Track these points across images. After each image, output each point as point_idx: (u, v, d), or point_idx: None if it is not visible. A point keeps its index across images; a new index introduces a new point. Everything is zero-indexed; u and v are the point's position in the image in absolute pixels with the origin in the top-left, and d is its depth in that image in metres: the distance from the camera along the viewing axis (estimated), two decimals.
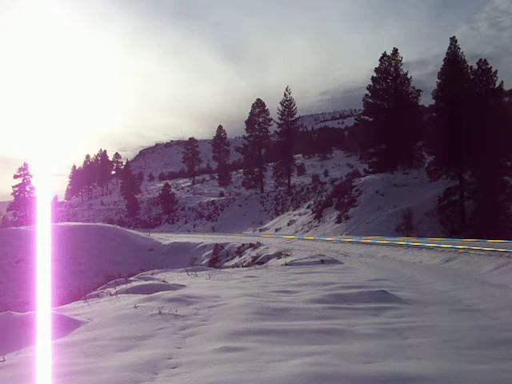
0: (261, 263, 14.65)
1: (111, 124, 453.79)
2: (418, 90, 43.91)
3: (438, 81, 34.51)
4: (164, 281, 8.79)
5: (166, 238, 35.61)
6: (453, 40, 34.45)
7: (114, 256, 28.02)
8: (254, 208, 57.12)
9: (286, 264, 12.04)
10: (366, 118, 45.27)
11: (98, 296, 7.90)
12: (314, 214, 40.44)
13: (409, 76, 43.71)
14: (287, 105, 63.03)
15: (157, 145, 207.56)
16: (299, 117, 67.01)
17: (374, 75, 43.26)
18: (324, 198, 43.38)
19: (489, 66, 32.90)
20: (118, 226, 39.13)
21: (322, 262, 12.11)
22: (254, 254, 19.27)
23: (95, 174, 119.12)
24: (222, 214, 59.65)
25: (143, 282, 8.57)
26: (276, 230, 42.36)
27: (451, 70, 33.54)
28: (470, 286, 7.84)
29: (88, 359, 3.72)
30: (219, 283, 8.37)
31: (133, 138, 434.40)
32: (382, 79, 43.18)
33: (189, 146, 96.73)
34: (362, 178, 41.49)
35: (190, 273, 10.98)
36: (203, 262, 23.82)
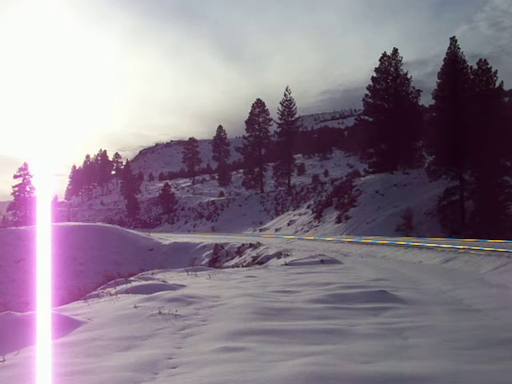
0: (261, 263, 14.65)
1: (111, 124, 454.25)
2: (418, 90, 43.97)
3: (438, 81, 34.53)
4: (164, 281, 8.79)
5: (166, 238, 35.61)
6: (453, 40, 34.46)
7: (114, 256, 28.02)
8: (254, 208, 57.13)
9: (286, 264, 12.03)
10: (366, 117, 45.29)
11: (98, 296, 7.90)
12: (314, 214, 40.44)
13: (409, 76, 43.78)
14: (287, 105, 63.05)
15: (157, 145, 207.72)
16: (299, 117, 67.04)
17: (374, 75, 43.29)
18: (324, 198, 43.39)
19: (489, 66, 32.92)
20: (118, 226, 39.12)
21: (322, 261, 12.10)
22: (254, 254, 19.28)
23: (95, 174, 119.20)
24: (222, 214, 59.66)
25: (143, 282, 8.57)
26: (276, 230, 42.36)
27: (451, 69, 33.54)
28: (470, 286, 7.84)
29: (88, 359, 3.72)
30: (219, 283, 8.37)
31: (133, 138, 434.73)
32: (382, 79, 43.19)
33: (189, 146, 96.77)
34: (362, 178, 41.50)
35: (190, 273, 10.98)
36: (203, 262, 23.82)
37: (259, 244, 21.68)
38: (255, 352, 3.72)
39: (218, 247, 25.85)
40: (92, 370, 3.41)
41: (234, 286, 7.79)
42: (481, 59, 33.60)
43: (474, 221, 30.15)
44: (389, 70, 43.26)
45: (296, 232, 38.27)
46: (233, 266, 15.67)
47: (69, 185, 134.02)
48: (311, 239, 26.24)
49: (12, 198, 60.13)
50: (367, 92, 43.44)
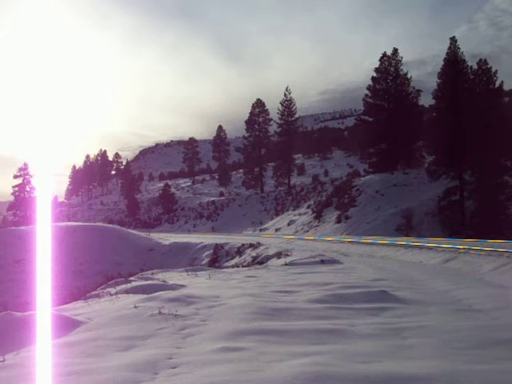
0: (261, 263, 14.66)
1: (111, 124, 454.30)
2: (418, 90, 43.95)
3: (438, 81, 34.52)
4: (164, 281, 8.80)
5: (166, 238, 35.61)
6: (453, 40, 34.45)
7: (114, 256, 28.02)
8: (254, 208, 57.13)
9: (286, 264, 12.04)
10: (366, 117, 45.28)
11: (98, 296, 7.91)
12: (314, 214, 40.44)
13: (409, 76, 43.78)
14: (287, 105, 63.05)
15: (157, 145, 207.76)
16: (299, 117, 67.03)
17: (374, 75, 43.28)
18: (324, 198, 43.39)
19: (489, 66, 32.91)
20: (118, 226, 39.12)
21: (322, 261, 12.11)
22: (254, 254, 19.28)
23: (95, 174, 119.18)
24: (222, 214, 59.66)
25: (143, 282, 8.58)
26: (276, 230, 42.36)
27: (451, 69, 33.54)
28: (470, 286, 7.84)
29: (88, 359, 3.72)
30: (219, 283, 8.37)
31: (133, 137, 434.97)
32: (382, 79, 43.19)
33: (189, 146, 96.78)
34: (362, 178, 41.50)
35: (190, 273, 10.99)
36: (203, 262, 23.82)
37: (259, 244, 21.68)
38: (255, 352, 3.72)
39: (218, 247, 25.84)
40: (92, 369, 3.41)
41: (234, 286, 7.79)
42: (481, 59, 33.63)
43: (474, 221, 30.14)
44: (389, 70, 43.26)
45: (296, 232, 38.27)
46: (233, 266, 15.68)
47: (69, 185, 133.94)
48: (311, 239, 26.24)
49: (12, 198, 60.13)
50: (367, 92, 43.45)
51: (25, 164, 58.13)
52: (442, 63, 34.60)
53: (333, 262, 12.34)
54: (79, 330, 4.91)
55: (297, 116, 64.62)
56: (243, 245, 23.41)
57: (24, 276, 21.06)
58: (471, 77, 33.54)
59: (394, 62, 43.39)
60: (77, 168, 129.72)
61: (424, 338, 4.26)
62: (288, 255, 14.66)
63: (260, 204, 57.73)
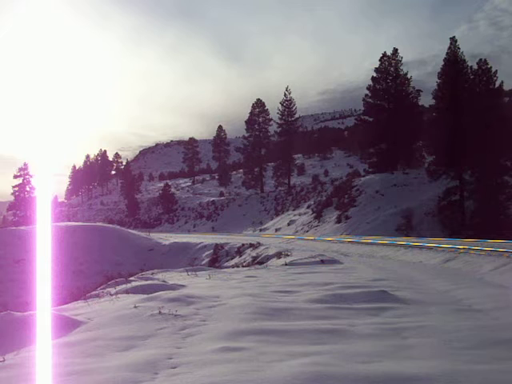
0: (261, 263, 14.66)
1: (111, 124, 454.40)
2: (418, 90, 43.95)
3: (438, 81, 34.52)
4: (164, 281, 8.80)
5: (166, 238, 35.61)
6: (453, 40, 34.46)
7: (114, 256, 28.02)
8: (254, 208, 57.13)
9: (286, 264, 12.04)
10: (366, 117, 45.29)
11: (98, 296, 7.91)
12: (314, 214, 40.44)
13: (409, 76, 43.78)
14: (287, 105, 63.05)
15: (157, 145, 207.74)
16: (299, 117, 67.03)
17: (374, 75, 43.28)
18: (324, 198, 43.39)
19: (489, 66, 32.91)
20: (118, 226, 39.12)
21: (322, 261, 12.11)
22: (254, 254, 19.28)
23: (95, 174, 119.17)
24: (222, 214, 59.66)
25: (143, 282, 8.58)
26: (276, 230, 42.36)
27: (451, 69, 33.54)
28: (470, 286, 7.84)
29: (88, 359, 3.72)
30: (219, 283, 8.37)
31: (133, 137, 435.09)
32: (382, 79, 43.19)
33: (189, 146, 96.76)
34: (362, 178, 41.49)
35: (190, 273, 10.99)
36: (203, 262, 23.82)
37: (259, 244, 21.68)
38: (255, 352, 3.72)
39: (218, 247, 25.85)
40: (92, 369, 3.41)
41: (234, 286, 7.79)
42: (481, 59, 33.63)
43: (474, 221, 30.13)
44: (389, 70, 43.26)
45: (296, 232, 38.27)
46: (233, 266, 15.68)
47: (69, 185, 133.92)
48: (311, 239, 26.24)
49: (12, 198, 60.14)
50: (367, 92, 43.45)
51: (25, 164, 58.15)
52: (442, 63, 34.62)
53: (333, 262, 12.34)
54: (79, 330, 4.91)
55: (297, 116, 64.64)
56: (243, 245, 23.41)
57: (24, 276, 21.06)
58: (471, 77, 33.54)
59: (393, 61, 43.39)
60: (77, 168, 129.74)
61: (424, 337, 4.26)
62: (288, 255, 14.66)
63: (260, 204, 57.73)
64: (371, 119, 44.04)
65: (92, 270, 24.96)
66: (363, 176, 43.21)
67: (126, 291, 7.60)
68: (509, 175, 30.57)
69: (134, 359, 3.62)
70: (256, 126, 65.89)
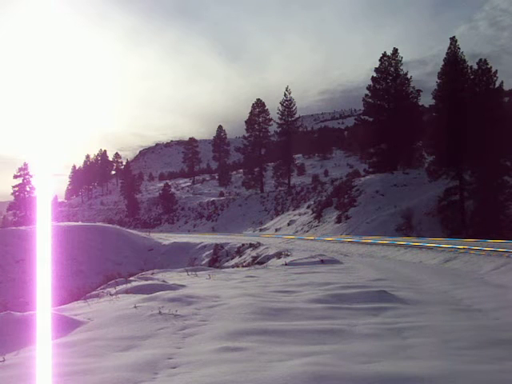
0: (261, 263, 14.66)
1: (111, 124, 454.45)
2: (418, 90, 43.96)
3: (438, 81, 34.54)
4: (164, 281, 8.79)
5: (166, 237, 35.61)
6: (453, 40, 34.46)
7: (114, 256, 28.02)
8: (254, 208, 57.12)
9: (286, 264, 12.04)
10: (366, 117, 45.30)
11: (97, 296, 7.90)
12: (314, 214, 40.44)
13: (408, 76, 43.79)
14: (287, 105, 63.06)
15: (157, 145, 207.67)
16: (299, 117, 67.05)
17: (374, 75, 43.30)
18: (324, 198, 43.39)
19: (489, 66, 32.92)
20: (118, 226, 39.12)
21: (322, 261, 12.11)
22: (254, 254, 19.28)
23: (95, 174, 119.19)
24: (222, 214, 59.66)
25: (143, 282, 8.58)
26: (276, 230, 42.36)
27: (451, 69, 33.55)
28: (470, 286, 7.84)
29: (88, 359, 3.72)
30: (219, 283, 8.37)
31: (133, 137, 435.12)
32: (382, 79, 43.20)
33: (189, 146, 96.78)
34: (362, 178, 41.50)
35: (190, 273, 10.98)
36: (203, 262, 23.82)
37: (259, 244, 21.68)
38: (255, 352, 3.72)
39: (217, 247, 25.85)
40: (92, 369, 3.41)
41: (234, 286, 7.79)
42: (481, 59, 33.63)
43: (474, 221, 30.14)
44: (389, 70, 43.27)
45: (296, 232, 38.27)
46: (233, 266, 15.68)
47: (69, 185, 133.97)
48: (311, 239, 26.24)
49: (12, 198, 60.15)
50: (367, 92, 43.47)
51: (25, 164, 58.17)
52: (442, 63, 34.65)
53: (333, 262, 12.34)
54: (79, 330, 4.91)
55: (297, 116, 64.66)
56: (243, 245, 23.41)
57: (24, 276, 21.07)
58: (471, 77, 33.55)
59: (393, 62, 43.41)
60: (77, 168, 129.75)
61: (424, 338, 4.26)
62: (288, 255, 14.66)
63: (260, 204, 57.73)
64: (371, 119, 44.05)
65: (92, 270, 24.95)
66: (363, 176, 43.22)
67: (126, 291, 7.60)
68: (509, 175, 30.57)
69: (133, 359, 3.62)
70: (256, 126, 65.91)
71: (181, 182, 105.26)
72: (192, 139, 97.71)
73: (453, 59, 33.87)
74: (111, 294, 7.54)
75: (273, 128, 65.56)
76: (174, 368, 3.41)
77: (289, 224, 42.89)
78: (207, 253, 26.33)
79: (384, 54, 43.34)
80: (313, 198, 48.91)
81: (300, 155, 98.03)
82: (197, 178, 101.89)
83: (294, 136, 66.11)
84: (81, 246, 28.03)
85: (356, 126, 67.31)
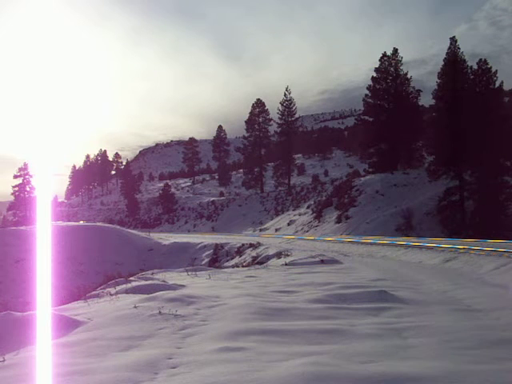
0: (261, 263, 14.65)
1: (111, 124, 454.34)
2: (418, 90, 43.97)
3: (438, 81, 34.54)
4: (164, 281, 8.79)
5: (166, 237, 35.61)
6: (453, 40, 34.47)
7: (114, 256, 28.02)
8: (254, 208, 57.11)
9: (286, 264, 12.04)
10: (366, 117, 45.28)
11: (97, 296, 7.90)
12: (314, 214, 40.44)
13: (408, 75, 43.79)
14: (287, 105, 63.06)
15: (157, 145, 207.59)
16: (299, 117, 67.05)
17: (374, 75, 43.29)
18: (324, 198, 43.39)
19: (489, 66, 32.95)
20: (118, 226, 39.12)
21: (322, 261, 12.11)
22: (253, 254, 19.28)
23: (95, 174, 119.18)
24: (222, 214, 59.64)
25: (143, 282, 8.57)
26: (276, 230, 42.36)
27: (451, 69, 33.55)
28: (470, 286, 7.84)
29: (88, 359, 3.72)
30: (219, 283, 8.37)
31: (133, 137, 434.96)
32: (382, 79, 43.19)
33: (189, 146, 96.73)
34: (362, 178, 41.50)
35: (190, 273, 10.99)
36: (203, 262, 23.82)
37: (259, 244, 21.68)
38: (255, 352, 3.72)
39: (218, 247, 25.85)
40: (92, 369, 3.41)
41: (234, 286, 7.79)
42: (481, 59, 33.67)
43: (474, 221, 30.15)
44: (389, 70, 43.27)
45: (296, 232, 38.27)
46: (233, 266, 15.67)
47: (69, 185, 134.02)
48: (311, 239, 26.24)
49: (12, 198, 60.19)
50: (367, 92, 43.46)
51: (25, 164, 58.22)
52: (442, 63, 34.65)
53: (333, 262, 12.34)
54: (79, 329, 4.90)
55: (297, 116, 64.66)
56: (243, 245, 23.41)
57: (24, 276, 21.07)
58: (471, 77, 33.57)
59: (394, 62, 43.40)
60: (77, 168, 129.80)
61: (424, 337, 4.26)
62: (288, 255, 14.66)
63: (260, 204, 57.72)
64: (371, 119, 44.04)
65: (92, 269, 24.95)
66: (363, 176, 43.20)
67: (126, 291, 7.60)
68: (509, 175, 30.58)
69: (133, 359, 3.62)
70: (256, 125, 65.91)
71: (181, 182, 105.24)
72: (192, 139, 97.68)
73: (453, 59, 33.87)
74: (111, 294, 7.54)
75: (273, 128, 65.61)
76: (174, 368, 3.41)
77: (289, 224, 42.89)
78: (207, 253, 26.33)
79: (384, 54, 43.34)
80: (313, 197, 48.91)
81: (300, 155, 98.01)
82: (197, 178, 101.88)
83: (294, 136, 66.09)
84: (81, 245, 28.03)
85: (356, 126, 67.33)
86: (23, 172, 58.17)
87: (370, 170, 43.75)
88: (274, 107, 65.15)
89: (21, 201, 57.93)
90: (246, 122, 66.57)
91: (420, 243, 17.18)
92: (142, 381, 3.15)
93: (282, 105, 63.00)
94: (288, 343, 4.06)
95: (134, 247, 30.44)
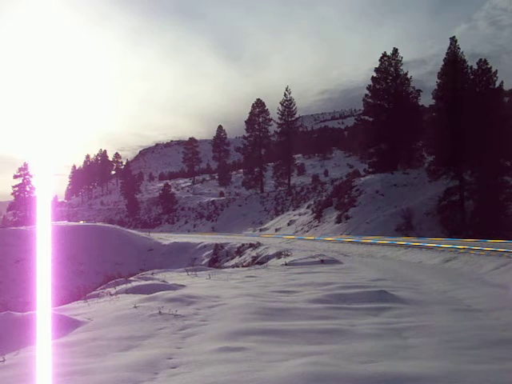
0: (261, 263, 14.65)
1: (111, 124, 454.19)
2: (418, 90, 43.98)
3: (438, 81, 34.54)
4: (164, 281, 8.79)
5: (166, 237, 35.61)
6: (452, 40, 34.48)
7: (114, 256, 28.02)
8: (254, 208, 57.11)
9: (286, 264, 12.04)
10: (366, 117, 45.28)
11: (97, 296, 7.90)
12: (314, 214, 40.44)
13: (408, 75, 43.80)
14: (287, 105, 63.07)
15: (157, 145, 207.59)
16: (299, 117, 67.05)
17: (374, 75, 43.30)
18: (324, 198, 43.39)
19: (489, 66, 32.95)
20: (118, 226, 39.12)
21: (322, 261, 12.11)
22: (254, 254, 19.28)
23: (95, 174, 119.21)
24: (222, 214, 59.64)
25: (143, 282, 8.57)
26: (276, 230, 42.36)
27: (451, 69, 33.56)
28: (470, 286, 7.84)
29: (88, 359, 3.72)
30: (219, 283, 8.37)
31: (133, 137, 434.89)
32: (382, 79, 43.20)
33: (189, 146, 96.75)
34: (362, 178, 41.49)
35: (189, 273, 10.99)
36: (203, 262, 23.82)
37: (259, 244, 21.68)
38: (255, 352, 3.72)
39: (218, 247, 25.85)
40: (92, 369, 3.41)
41: (234, 286, 7.79)
42: (481, 59, 33.68)
43: (474, 221, 30.15)
44: (389, 70, 43.28)
45: (296, 232, 38.27)
46: (233, 266, 15.66)
47: (69, 185, 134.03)
48: (311, 239, 26.24)
49: (12, 198, 60.20)
50: (367, 92, 43.46)
51: (25, 164, 58.23)
52: (442, 63, 34.66)
53: (333, 262, 12.34)
54: (79, 329, 4.90)
55: (297, 116, 64.66)
56: (243, 245, 23.41)
57: (24, 276, 21.07)
58: (471, 77, 33.57)
59: (394, 62, 43.41)
60: (77, 168, 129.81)
61: (424, 337, 4.26)
62: (288, 255, 14.66)
63: (260, 204, 57.72)
64: (371, 119, 44.04)
65: (92, 269, 24.95)
66: (363, 176, 43.20)
67: (126, 291, 7.60)
68: (509, 175, 30.58)
69: (133, 359, 3.62)
70: (256, 125, 65.92)
71: (181, 181, 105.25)
72: (192, 139, 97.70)
73: (453, 59, 33.88)
74: (111, 294, 7.54)
75: (273, 128, 65.62)
76: (174, 368, 3.41)
77: (289, 224, 42.89)
78: (207, 253, 26.33)
79: (384, 54, 43.35)
80: (313, 197, 48.91)
81: (300, 155, 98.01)
82: (197, 178, 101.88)
83: (294, 136, 66.09)
84: (81, 245, 28.03)
85: (356, 126, 67.33)
86: (23, 172, 58.19)
87: (370, 170, 43.75)
88: (274, 107, 65.22)
89: (21, 201, 57.94)
90: (246, 122, 66.58)
91: (420, 243, 17.17)
92: (142, 381, 3.15)
93: (282, 105, 63.01)
94: (288, 343, 4.06)
95: (134, 247, 30.44)
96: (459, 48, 34.34)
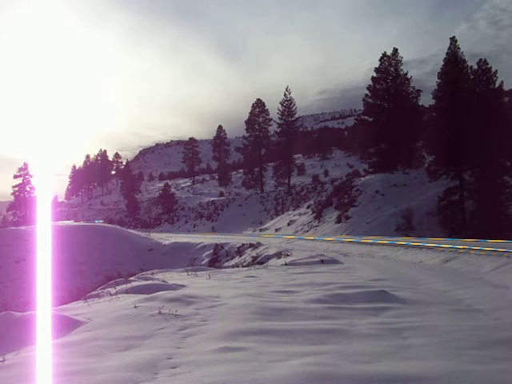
0: (261, 263, 14.65)
1: (111, 124, 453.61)
2: (418, 90, 44.05)
3: (438, 81, 34.56)
4: (164, 281, 8.79)
5: (166, 237, 35.61)
6: (453, 40, 34.50)
7: (114, 256, 28.02)
8: (254, 208, 57.12)
9: (286, 264, 12.04)
10: (366, 117, 45.33)
11: (97, 296, 7.90)
12: (314, 214, 40.44)
13: (408, 75, 43.86)
14: (287, 105, 63.09)
15: (157, 145, 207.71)
16: (299, 117, 67.08)
17: (374, 75, 43.33)
18: (324, 198, 43.39)
19: (489, 66, 32.96)
20: (118, 226, 39.12)
21: (322, 261, 12.11)
22: (253, 254, 19.28)
23: (95, 174, 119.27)
24: (222, 214, 59.66)
25: (143, 282, 8.57)
26: (276, 230, 42.37)
27: (451, 69, 33.57)
28: (470, 286, 7.84)
29: (88, 359, 3.72)
30: (219, 283, 8.37)
31: (132, 137, 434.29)
32: (382, 79, 43.23)
33: (189, 146, 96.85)
34: (362, 178, 41.51)
35: (189, 273, 10.99)
36: (203, 262, 23.82)
37: (259, 244, 21.68)
38: (255, 352, 3.72)
39: (218, 247, 25.85)
40: (92, 369, 3.41)
41: (234, 286, 7.79)
42: (481, 59, 33.69)
43: (474, 221, 30.15)
44: (389, 70, 43.31)
45: (296, 232, 38.27)
46: (233, 266, 15.67)
47: (69, 185, 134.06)
48: (311, 239, 26.24)
49: (12, 198, 60.22)
50: (367, 92, 43.50)
51: (25, 164, 58.29)
52: (442, 63, 34.69)
53: (333, 262, 12.34)
54: (79, 330, 4.90)
55: (297, 116, 64.71)
56: (243, 245, 23.42)
57: (24, 276, 21.07)
58: (471, 77, 33.58)
59: (394, 61, 43.45)
60: (77, 168, 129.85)
61: (424, 338, 4.26)
62: (288, 255, 14.66)
63: (260, 204, 57.73)
64: (371, 119, 44.09)
65: (92, 270, 24.96)
66: (363, 176, 43.23)
67: (126, 291, 7.60)
68: (509, 175, 30.58)
69: (134, 359, 3.62)
70: (256, 126, 65.94)
71: (181, 182, 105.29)
72: (192, 139, 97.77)
73: (453, 59, 33.89)
74: (111, 294, 7.54)
75: (273, 128, 65.67)
76: (174, 368, 3.41)
77: (289, 224, 42.90)
78: (207, 253, 26.34)
79: (384, 54, 43.38)
80: (313, 198, 48.91)
81: (300, 155, 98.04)
82: (197, 178, 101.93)
83: (294, 136, 66.13)
84: (81, 246, 28.04)
85: (356, 126, 67.33)
86: (23, 172, 58.23)
87: (370, 170, 43.78)
88: (274, 107, 65.29)
89: (21, 201, 57.98)
90: (246, 122, 66.62)
91: (420, 243, 17.18)
92: (142, 381, 3.15)
93: (282, 105, 63.03)
94: (288, 343, 4.06)
95: (134, 247, 30.44)
96: (459, 48, 34.40)
